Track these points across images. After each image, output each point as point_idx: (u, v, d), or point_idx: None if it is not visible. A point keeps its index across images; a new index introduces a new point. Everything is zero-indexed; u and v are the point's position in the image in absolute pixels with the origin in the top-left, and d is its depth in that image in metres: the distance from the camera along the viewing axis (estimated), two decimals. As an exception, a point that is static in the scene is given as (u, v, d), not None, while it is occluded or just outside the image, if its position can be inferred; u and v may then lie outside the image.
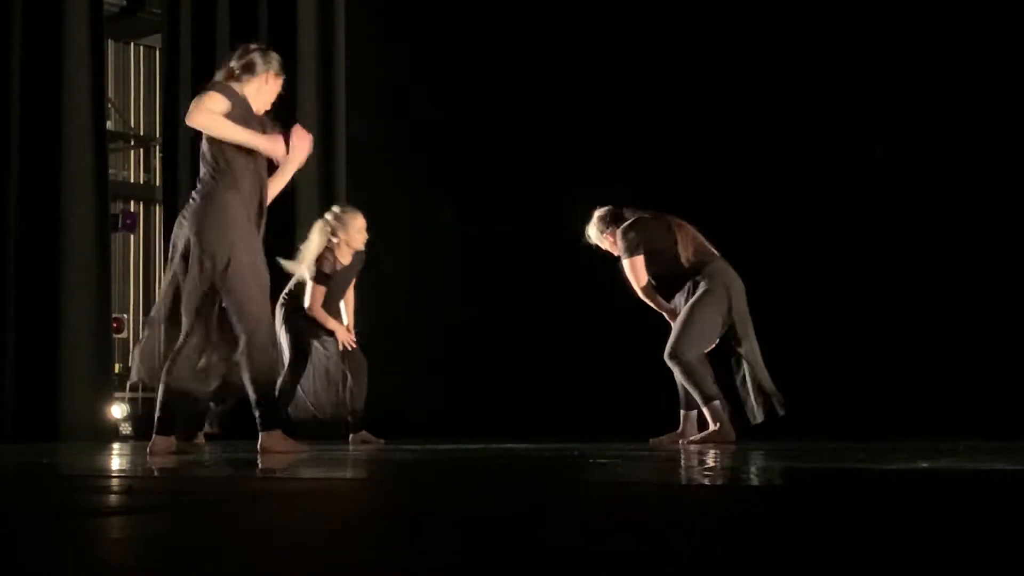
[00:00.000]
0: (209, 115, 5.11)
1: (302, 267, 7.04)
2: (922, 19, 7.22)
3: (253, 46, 5.47)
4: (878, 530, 2.04)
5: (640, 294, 6.35)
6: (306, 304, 7.00)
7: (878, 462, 4.01)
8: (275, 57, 5.44)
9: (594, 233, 6.52)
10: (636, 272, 6.30)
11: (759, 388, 6.17)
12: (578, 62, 8.36)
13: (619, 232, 6.35)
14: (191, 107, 5.20)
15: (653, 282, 6.35)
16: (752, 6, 7.85)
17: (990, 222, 7.03)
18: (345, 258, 7.08)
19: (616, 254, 6.44)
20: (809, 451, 4.90)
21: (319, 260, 7.01)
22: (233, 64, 5.36)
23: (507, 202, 8.60)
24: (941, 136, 7.11)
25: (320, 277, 7.00)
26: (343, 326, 7.14)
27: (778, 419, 6.17)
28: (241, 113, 5.22)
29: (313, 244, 7.04)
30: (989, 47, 7.06)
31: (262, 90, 5.35)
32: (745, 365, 6.22)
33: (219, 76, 5.34)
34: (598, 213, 6.51)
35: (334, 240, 7.01)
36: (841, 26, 7.49)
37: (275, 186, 5.47)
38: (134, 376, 5.72)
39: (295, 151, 5.39)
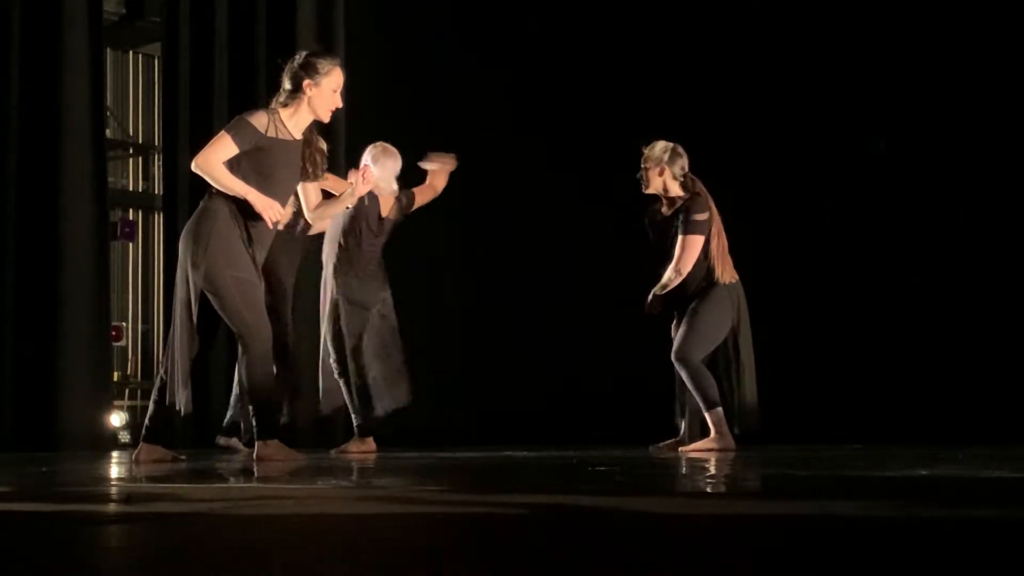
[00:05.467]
0: (205, 163, 5.27)
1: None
2: (922, 15, 7.22)
3: (293, 60, 5.46)
4: (876, 537, 2.04)
5: (676, 273, 6.13)
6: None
7: (877, 469, 4.01)
8: (314, 63, 5.40)
9: (652, 157, 6.25)
10: (692, 251, 6.11)
11: (745, 399, 6.12)
12: (575, 58, 8.34)
13: (694, 206, 6.13)
14: (203, 149, 5.34)
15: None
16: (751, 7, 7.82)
17: (990, 226, 7.02)
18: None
19: (646, 189, 6.26)
20: (808, 458, 4.89)
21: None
22: (283, 83, 5.44)
23: (507, 203, 8.54)
24: (940, 137, 7.10)
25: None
26: None
27: (755, 433, 6.10)
28: (261, 148, 5.29)
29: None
30: (990, 44, 7.06)
31: (314, 100, 5.37)
32: (743, 372, 6.16)
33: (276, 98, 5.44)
34: (666, 143, 6.26)
35: None
36: (840, 19, 7.47)
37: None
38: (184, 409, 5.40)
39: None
